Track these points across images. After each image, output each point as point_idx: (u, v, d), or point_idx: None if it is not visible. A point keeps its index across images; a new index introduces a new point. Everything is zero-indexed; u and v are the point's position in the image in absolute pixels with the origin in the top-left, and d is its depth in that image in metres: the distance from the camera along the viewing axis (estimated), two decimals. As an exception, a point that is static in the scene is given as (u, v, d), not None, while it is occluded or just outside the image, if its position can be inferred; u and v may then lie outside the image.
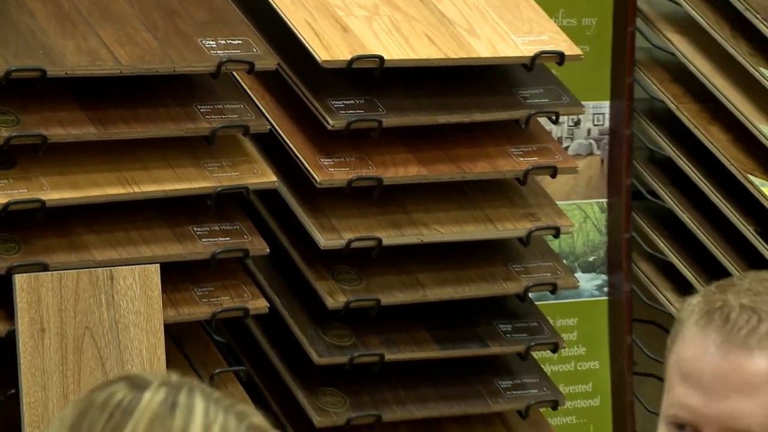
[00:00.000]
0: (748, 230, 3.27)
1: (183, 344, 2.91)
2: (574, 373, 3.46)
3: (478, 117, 3.10)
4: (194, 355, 2.94)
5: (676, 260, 3.40)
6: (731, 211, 3.32)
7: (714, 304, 1.87)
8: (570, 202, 3.34)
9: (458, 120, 3.08)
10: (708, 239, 3.36)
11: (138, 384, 1.47)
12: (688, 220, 3.40)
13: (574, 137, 3.50)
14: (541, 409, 3.14)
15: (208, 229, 2.88)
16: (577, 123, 3.49)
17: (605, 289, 3.51)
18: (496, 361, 3.13)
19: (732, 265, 3.25)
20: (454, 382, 3.07)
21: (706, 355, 1.84)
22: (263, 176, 2.92)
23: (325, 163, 2.97)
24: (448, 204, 3.09)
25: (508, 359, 3.13)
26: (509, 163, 3.10)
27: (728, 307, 1.85)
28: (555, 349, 3.13)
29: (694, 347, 1.86)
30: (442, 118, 3.07)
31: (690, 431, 1.86)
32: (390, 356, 2.97)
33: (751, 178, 3.29)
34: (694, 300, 1.93)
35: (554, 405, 3.12)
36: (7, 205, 2.70)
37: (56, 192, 2.76)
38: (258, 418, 1.50)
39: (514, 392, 3.09)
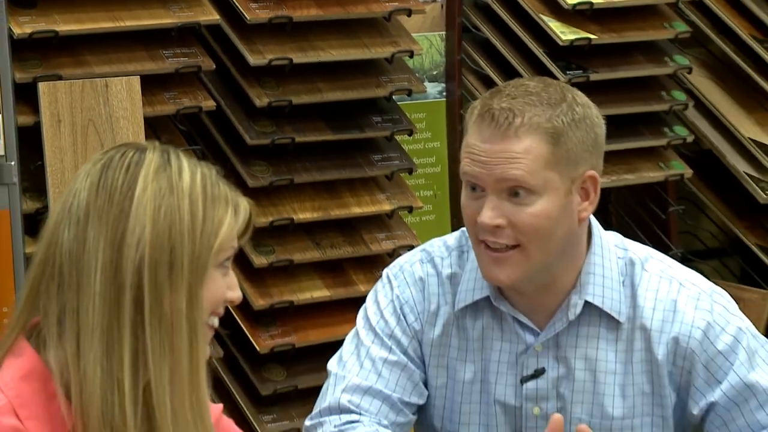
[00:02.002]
0: (540, 51, 3.30)
1: (157, 132, 2.93)
2: (423, 150, 3.48)
3: (359, -24, 3.13)
4: (165, 140, 2.92)
5: (491, 73, 3.42)
6: (528, 39, 3.34)
7: (485, 108, 1.86)
8: (420, 34, 3.31)
9: (345, -22, 3.10)
10: (512, 59, 3.37)
11: (140, 148, 1.51)
12: (500, 46, 3.41)
13: (422, -11, 3.52)
14: (401, 174, 3.17)
15: (172, 52, 2.89)
16: (424, -20, 3.50)
17: (444, 93, 3.51)
18: (371, 142, 3.16)
19: (528, 75, 3.24)
20: (343, 157, 3.11)
21: (482, 144, 1.84)
22: (210, 15, 2.91)
23: (252, 6, 2.97)
24: (337, 35, 3.09)
25: (379, 141, 3.17)
26: (379, 6, 3.10)
27: (493, 109, 1.84)
28: (410, 133, 3.18)
29: (474, 138, 1.86)
30: (333, -24, 3.09)
31: (479, 189, 1.87)
32: (299, 139, 3.01)
33: (542, 16, 3.29)
34: (476, 104, 1.93)
35: (410, 171, 3.17)
36: (31, 34, 2.72)
37: (66, 25, 2.77)
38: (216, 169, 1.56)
39: (383, 163, 3.14)
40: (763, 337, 1.96)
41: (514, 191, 1.84)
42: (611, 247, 1.98)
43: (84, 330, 1.46)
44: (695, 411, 1.93)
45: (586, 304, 1.92)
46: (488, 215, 1.83)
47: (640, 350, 1.93)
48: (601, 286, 1.93)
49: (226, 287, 1.54)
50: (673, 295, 1.95)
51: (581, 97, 1.91)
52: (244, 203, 1.55)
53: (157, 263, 1.46)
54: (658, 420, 1.95)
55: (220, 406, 1.77)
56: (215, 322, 1.55)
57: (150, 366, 1.46)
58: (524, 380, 1.95)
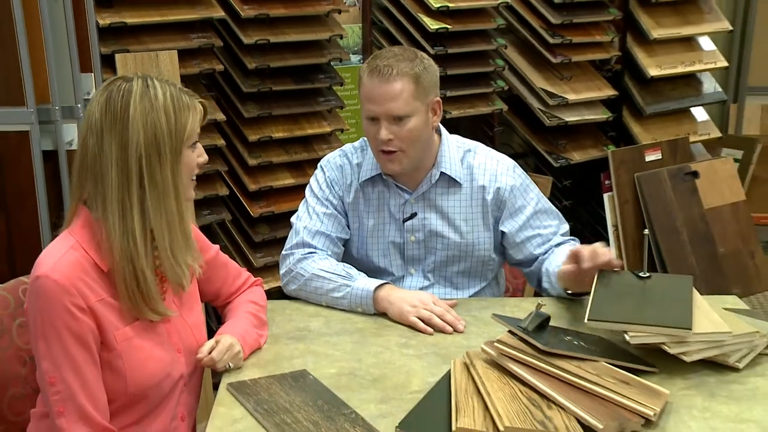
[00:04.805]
0: (418, 35, 3.23)
1: (187, 84, 2.82)
2: (349, 95, 3.34)
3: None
4: (192, 88, 2.86)
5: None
6: (411, 27, 3.25)
7: (372, 67, 1.86)
8: (346, 24, 3.22)
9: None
10: (402, 39, 3.28)
11: (128, 79, 1.48)
12: (394, 32, 3.33)
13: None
14: (336, 109, 3.11)
15: (196, 35, 2.85)
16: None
17: (361, 61, 3.40)
18: (318, 90, 3.11)
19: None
20: (301, 99, 3.07)
21: (375, 90, 1.85)
22: (219, 12, 2.84)
23: (244, 7, 2.91)
24: (297, 25, 3.00)
25: (322, 89, 3.11)
26: (322, 7, 3.03)
27: (378, 67, 1.85)
28: (341, 84, 3.09)
29: (369, 87, 1.86)
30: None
31: (376, 119, 1.88)
32: (275, 88, 2.97)
33: (419, 14, 3.25)
34: (365, 66, 1.87)
35: (341, 107, 3.11)
36: (110, 23, 2.67)
37: (131, 18, 2.73)
38: (189, 92, 1.50)
39: (325, 102, 3.10)
40: (542, 194, 2.06)
41: (398, 117, 1.87)
42: (453, 142, 2.02)
43: (107, 202, 1.46)
44: (507, 230, 2.02)
45: (441, 173, 1.99)
46: (383, 134, 1.88)
47: (476, 199, 2.01)
48: (449, 163, 1.99)
49: (196, 156, 1.54)
50: (495, 167, 2.02)
51: (425, 56, 1.93)
52: (199, 106, 1.53)
53: (150, 155, 1.45)
54: (488, 236, 2.03)
55: (217, 246, 1.79)
56: (194, 176, 1.55)
57: (151, 217, 1.47)
58: (405, 220, 2.02)
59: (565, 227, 2.06)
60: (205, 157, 1.55)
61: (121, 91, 1.46)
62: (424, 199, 2.00)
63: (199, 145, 1.55)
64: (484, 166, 2.01)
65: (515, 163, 2.06)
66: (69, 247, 1.47)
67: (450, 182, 1.99)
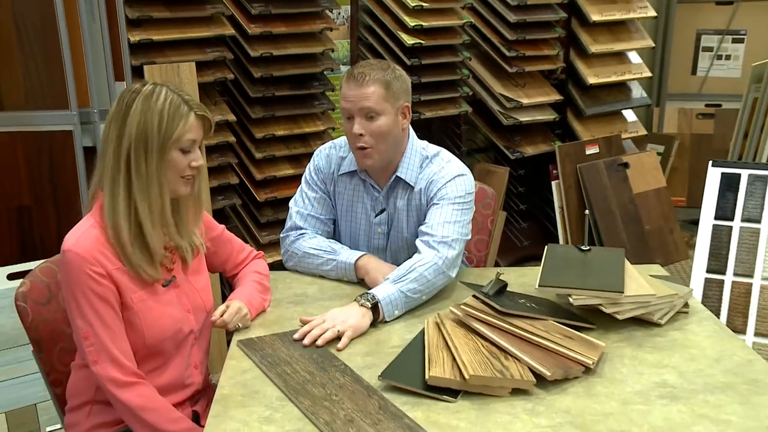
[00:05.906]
0: (397, 49, 3.19)
1: (205, 90, 2.81)
2: (339, 99, 3.35)
3: None
4: (207, 94, 2.83)
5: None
6: (391, 42, 3.21)
7: (349, 74, 1.80)
8: (337, 40, 3.19)
9: None
10: (384, 53, 3.23)
11: (145, 83, 1.47)
12: (377, 46, 3.28)
13: None
14: (329, 111, 3.07)
15: (211, 49, 2.78)
16: None
17: None
18: (313, 95, 3.06)
19: (389, 62, 3.14)
20: (299, 102, 3.02)
21: (351, 92, 1.78)
22: (230, 30, 2.77)
23: (251, 26, 2.86)
24: (295, 41, 2.95)
25: (317, 94, 3.07)
26: (316, 25, 2.97)
27: (354, 73, 1.79)
28: (332, 90, 3.07)
29: (346, 90, 1.79)
30: None
31: (352, 117, 1.80)
32: (277, 93, 2.93)
33: (398, 32, 3.20)
34: (345, 74, 1.82)
35: (333, 109, 3.06)
36: (139, 40, 2.63)
37: (157, 36, 2.68)
38: (196, 105, 1.46)
39: (319, 105, 3.05)
40: (461, 204, 1.85)
41: (369, 115, 1.80)
42: (418, 148, 1.90)
43: (103, 181, 1.45)
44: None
45: (397, 177, 1.91)
46: (356, 128, 1.81)
47: (418, 200, 1.92)
48: (407, 168, 1.90)
49: (189, 160, 1.48)
50: (438, 171, 1.90)
51: (398, 67, 1.88)
52: (193, 117, 1.47)
53: (137, 148, 1.43)
54: None
55: (223, 226, 1.77)
56: (188, 176, 1.50)
57: (137, 201, 1.45)
58: (376, 215, 1.95)
59: (439, 246, 1.78)
60: (198, 162, 1.50)
61: (132, 92, 1.46)
62: (389, 197, 1.93)
63: (196, 151, 1.51)
64: (431, 173, 1.89)
65: (464, 174, 1.88)
66: (89, 226, 1.47)
67: (406, 186, 1.91)
